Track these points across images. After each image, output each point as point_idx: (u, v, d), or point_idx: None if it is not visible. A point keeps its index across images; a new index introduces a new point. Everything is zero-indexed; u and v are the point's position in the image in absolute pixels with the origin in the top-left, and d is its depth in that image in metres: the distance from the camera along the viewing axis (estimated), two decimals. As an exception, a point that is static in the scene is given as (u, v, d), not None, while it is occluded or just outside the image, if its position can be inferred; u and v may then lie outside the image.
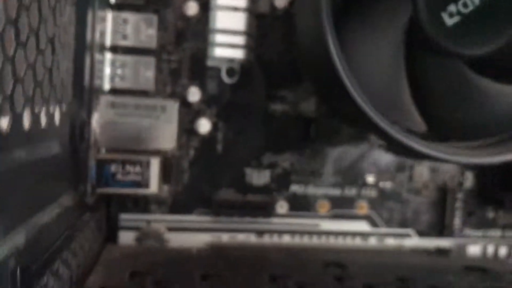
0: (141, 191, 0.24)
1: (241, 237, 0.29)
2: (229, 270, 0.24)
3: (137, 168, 0.24)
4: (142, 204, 0.28)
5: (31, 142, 0.16)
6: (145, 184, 0.24)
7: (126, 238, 0.28)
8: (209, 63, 0.27)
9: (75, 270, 0.20)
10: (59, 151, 0.19)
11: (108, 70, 0.25)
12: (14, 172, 0.14)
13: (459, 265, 0.27)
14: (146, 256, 0.25)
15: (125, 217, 0.28)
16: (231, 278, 0.23)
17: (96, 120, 0.24)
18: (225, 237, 0.29)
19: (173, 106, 0.25)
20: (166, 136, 0.25)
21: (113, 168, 0.24)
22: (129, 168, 0.24)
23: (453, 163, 0.25)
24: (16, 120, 0.14)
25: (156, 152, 0.25)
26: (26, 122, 0.15)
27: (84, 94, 0.22)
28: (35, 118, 0.16)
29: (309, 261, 0.27)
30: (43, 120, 0.17)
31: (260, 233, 0.29)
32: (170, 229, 0.29)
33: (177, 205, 0.29)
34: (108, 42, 0.25)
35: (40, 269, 0.16)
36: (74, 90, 0.21)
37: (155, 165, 0.24)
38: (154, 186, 0.24)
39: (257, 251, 0.28)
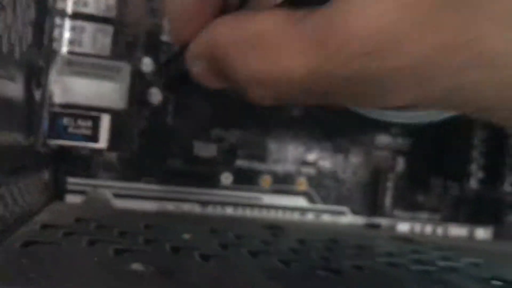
0: (90, 145, 0.25)
1: (186, 207, 0.30)
2: (172, 223, 0.25)
3: (88, 123, 0.25)
4: (90, 169, 0.29)
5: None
6: (94, 138, 0.25)
7: (73, 201, 0.29)
8: (164, 38, 0.29)
9: (16, 209, 0.21)
10: (15, 89, 0.20)
11: (67, 34, 0.27)
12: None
13: (387, 235, 0.30)
14: (92, 210, 0.26)
15: (73, 181, 0.29)
16: (174, 228, 0.24)
17: (52, 75, 0.25)
18: (170, 206, 0.30)
19: (126, 68, 0.27)
20: (118, 96, 0.26)
21: (65, 121, 0.25)
22: (80, 122, 0.25)
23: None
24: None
25: (107, 110, 0.26)
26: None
27: (43, 49, 0.24)
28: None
29: (248, 222, 0.28)
30: (4, 46, 0.18)
31: (204, 203, 0.31)
32: (117, 196, 0.30)
33: (125, 172, 0.30)
34: (69, 8, 0.27)
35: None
36: (34, 40, 0.22)
37: (105, 121, 0.25)
38: (103, 141, 0.25)
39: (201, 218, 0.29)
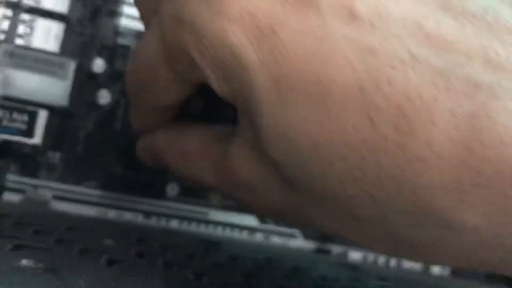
0: (24, 140, 0.24)
1: (128, 216, 0.29)
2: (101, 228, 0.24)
3: (24, 117, 0.24)
4: (31, 168, 0.28)
5: None
6: (29, 134, 0.24)
7: (11, 199, 0.28)
8: (120, 41, 0.29)
9: None
10: None
11: (15, 27, 0.26)
12: None
13: (334, 261, 0.28)
14: (24, 209, 0.25)
15: (12, 179, 0.28)
16: (99, 233, 0.23)
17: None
18: (112, 214, 0.29)
19: (71, 65, 0.26)
20: (59, 93, 0.25)
21: (0, 113, 0.24)
22: (16, 115, 0.24)
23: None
24: None
25: (46, 106, 0.25)
26: None
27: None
28: None
29: (189, 236, 0.27)
30: None
31: (148, 214, 0.29)
32: (57, 198, 0.29)
33: (67, 174, 0.29)
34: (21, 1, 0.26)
35: None
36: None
37: (42, 117, 0.25)
38: (38, 137, 0.25)
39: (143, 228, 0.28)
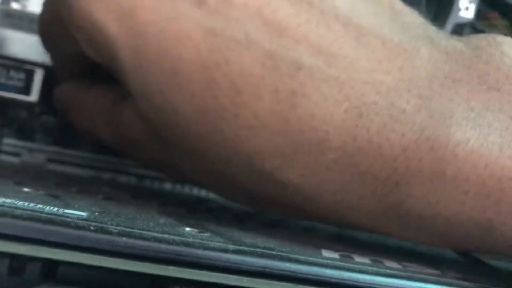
0: (21, 97, 0.25)
1: (123, 179, 0.30)
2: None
3: (21, 75, 0.25)
4: (26, 131, 0.29)
5: None
6: (26, 91, 0.25)
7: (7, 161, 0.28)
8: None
9: None
10: None
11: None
12: None
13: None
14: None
15: (7, 142, 0.29)
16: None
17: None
18: (106, 176, 0.30)
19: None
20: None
21: (-1, 71, 0.25)
22: (13, 73, 0.25)
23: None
24: None
25: (43, 66, 0.26)
26: None
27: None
28: None
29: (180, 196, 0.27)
30: None
31: (142, 177, 0.30)
32: (52, 161, 0.29)
33: (62, 138, 0.29)
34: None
35: None
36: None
37: (39, 74, 0.25)
38: (35, 95, 0.25)
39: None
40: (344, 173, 0.16)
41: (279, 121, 0.16)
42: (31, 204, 0.14)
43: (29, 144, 0.29)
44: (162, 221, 0.16)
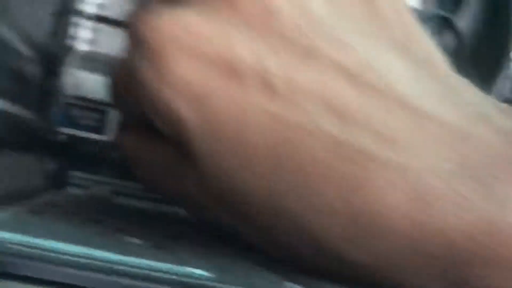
0: (96, 136, 0.26)
1: (183, 212, 0.31)
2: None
3: (97, 115, 0.26)
4: (94, 164, 0.30)
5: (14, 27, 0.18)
6: (101, 131, 0.26)
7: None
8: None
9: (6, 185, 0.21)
10: (30, 70, 0.21)
11: (85, 33, 0.28)
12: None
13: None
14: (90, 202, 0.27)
15: (76, 174, 0.30)
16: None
17: (67, 68, 0.26)
18: (166, 209, 0.31)
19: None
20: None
21: (75, 111, 0.26)
22: (89, 114, 0.26)
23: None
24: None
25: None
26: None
27: (60, 41, 0.25)
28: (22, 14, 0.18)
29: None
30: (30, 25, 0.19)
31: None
32: (118, 193, 0.30)
33: (128, 171, 0.30)
34: (88, 10, 0.28)
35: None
36: (53, 32, 0.23)
37: (111, 115, 0.27)
38: (107, 134, 0.27)
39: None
40: (413, 258, 0.16)
41: (346, 206, 0.16)
42: (144, 261, 0.13)
43: (95, 177, 0.30)
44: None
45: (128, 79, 0.20)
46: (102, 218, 0.20)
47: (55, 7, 0.23)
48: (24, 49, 0.19)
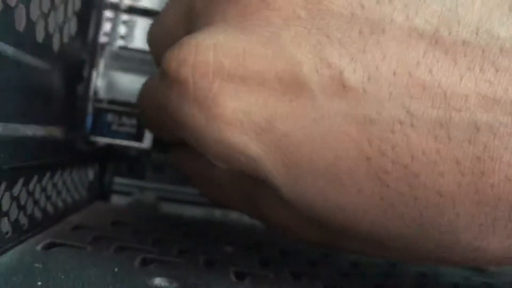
0: (134, 144, 0.24)
1: (234, 215, 0.29)
2: (216, 232, 0.23)
3: (133, 121, 0.24)
4: (137, 170, 0.28)
5: (22, 44, 0.16)
6: (139, 138, 0.24)
7: (118, 202, 0.28)
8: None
9: (48, 207, 0.20)
10: (52, 81, 0.19)
11: (118, 28, 0.26)
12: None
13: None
14: (134, 213, 0.25)
15: (120, 181, 0.28)
16: (216, 238, 0.22)
17: (99, 70, 0.24)
18: (217, 213, 0.29)
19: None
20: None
21: (109, 117, 0.24)
22: (125, 120, 0.24)
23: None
24: (8, 13, 0.14)
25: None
26: (20, 19, 0.15)
27: (87, 41, 0.23)
28: (30, 25, 0.16)
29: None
30: (39, 34, 0.17)
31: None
32: (163, 199, 0.28)
33: (174, 176, 0.28)
34: (121, 1, 0.26)
35: (11, 175, 0.16)
36: (78, 32, 0.21)
37: (151, 120, 0.24)
38: (147, 141, 0.24)
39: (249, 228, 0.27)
40: None
41: (468, 193, 0.14)
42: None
43: (140, 183, 0.28)
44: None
45: (166, 118, 0.17)
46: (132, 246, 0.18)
47: (80, 3, 0.20)
48: (39, 62, 0.17)
